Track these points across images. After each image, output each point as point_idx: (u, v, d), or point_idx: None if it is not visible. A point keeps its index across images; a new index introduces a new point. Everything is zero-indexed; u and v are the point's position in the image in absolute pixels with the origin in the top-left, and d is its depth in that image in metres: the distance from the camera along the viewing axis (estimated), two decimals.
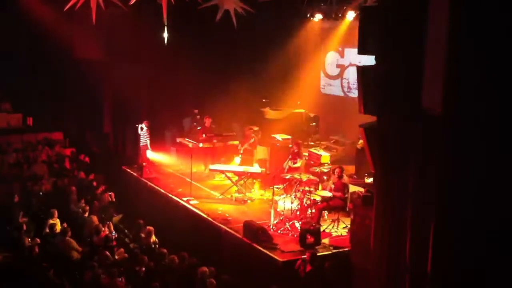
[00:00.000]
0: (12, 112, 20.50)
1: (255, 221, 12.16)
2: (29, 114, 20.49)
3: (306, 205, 12.65)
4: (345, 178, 12.74)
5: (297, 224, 12.27)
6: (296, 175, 13.12)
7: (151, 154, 17.42)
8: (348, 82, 19.16)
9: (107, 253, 10.91)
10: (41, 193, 15.23)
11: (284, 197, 12.94)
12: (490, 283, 6.03)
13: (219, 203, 14.19)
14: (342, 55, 19.53)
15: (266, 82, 19.18)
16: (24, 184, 15.73)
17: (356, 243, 10.35)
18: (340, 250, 11.25)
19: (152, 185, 15.77)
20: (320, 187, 13.49)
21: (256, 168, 15.04)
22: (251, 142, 16.07)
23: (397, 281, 7.27)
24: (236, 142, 16.54)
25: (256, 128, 16.96)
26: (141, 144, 17.30)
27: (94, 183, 15.69)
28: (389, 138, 7.15)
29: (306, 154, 15.55)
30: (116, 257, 11.23)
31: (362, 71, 7.30)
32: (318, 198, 12.63)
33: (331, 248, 11.39)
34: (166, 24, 15.87)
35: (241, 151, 16.07)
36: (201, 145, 16.17)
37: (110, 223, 12.87)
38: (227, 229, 12.44)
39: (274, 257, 10.98)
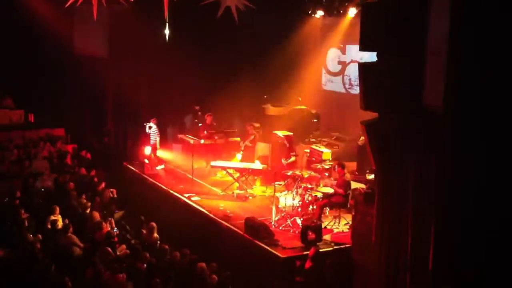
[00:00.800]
0: (14, 108, 20.51)
1: (257, 218, 12.17)
2: (30, 111, 20.50)
3: (307, 201, 12.66)
4: (347, 175, 12.74)
5: (299, 221, 12.28)
6: (298, 172, 13.13)
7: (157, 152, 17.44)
8: (350, 79, 19.14)
9: (109, 249, 10.92)
10: (42, 189, 15.26)
11: (286, 194, 12.95)
12: (490, 282, 6.04)
13: (220, 200, 14.20)
14: (343, 51, 19.50)
15: (268, 78, 19.16)
16: (26, 180, 15.75)
17: (357, 239, 10.36)
18: (341, 246, 11.26)
19: (154, 181, 15.79)
20: (321, 184, 13.50)
21: (257, 165, 15.05)
22: (252, 138, 16.07)
23: (397, 279, 7.28)
24: (237, 139, 16.54)
25: (257, 125, 16.97)
26: (151, 142, 16.95)
27: (95, 179, 15.70)
28: (390, 135, 7.15)
29: (308, 150, 15.56)
30: (118, 253, 11.24)
31: (363, 67, 7.29)
32: (319, 195, 12.64)
33: (332, 244, 11.40)
34: (167, 20, 15.85)
35: (242, 148, 16.08)
36: (202, 141, 16.17)
37: (112, 219, 12.89)
38: (229, 225, 12.45)
39: (275, 254, 10.99)
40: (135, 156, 17.80)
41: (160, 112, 18.64)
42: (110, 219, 12.81)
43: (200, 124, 17.47)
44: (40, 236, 11.69)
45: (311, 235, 11.31)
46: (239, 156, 16.12)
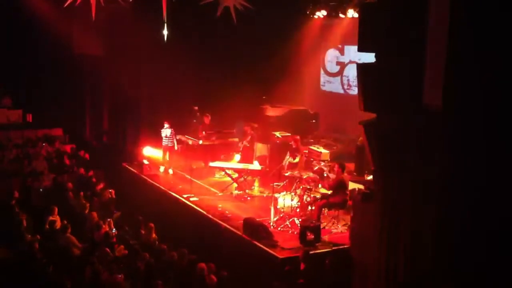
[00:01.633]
0: (12, 108, 20.51)
1: (255, 218, 12.17)
2: (29, 110, 20.49)
3: (306, 202, 12.66)
4: (345, 175, 12.74)
5: (297, 221, 12.28)
6: (296, 173, 13.13)
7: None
8: (348, 80, 19.19)
9: (107, 249, 10.92)
10: (41, 189, 15.25)
11: (284, 194, 12.95)
12: (490, 282, 6.04)
13: (219, 200, 14.19)
14: (342, 52, 19.55)
15: (266, 79, 19.18)
16: (24, 180, 15.73)
17: (356, 240, 10.35)
18: (340, 247, 11.26)
19: (152, 182, 15.78)
20: (320, 184, 13.49)
21: (256, 165, 15.04)
22: (249, 139, 16.06)
23: (396, 279, 7.28)
24: (235, 139, 16.54)
25: (255, 125, 16.97)
26: (163, 144, 16.65)
27: (94, 180, 15.69)
28: (389, 135, 7.15)
29: (306, 151, 15.56)
30: (116, 253, 11.24)
31: (362, 68, 7.29)
32: (318, 195, 12.64)
33: (331, 245, 11.40)
34: (165, 20, 15.85)
35: (241, 148, 16.08)
36: (201, 142, 16.17)
37: (111, 219, 12.88)
38: (227, 226, 12.44)
39: (274, 254, 10.98)
40: (134, 156, 17.79)
41: (158, 111, 18.65)
42: (109, 219, 12.80)
43: (199, 125, 17.45)
44: (38, 236, 11.67)
45: (310, 236, 11.31)
46: (237, 156, 16.11)
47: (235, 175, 15.05)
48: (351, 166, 15.20)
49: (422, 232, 6.59)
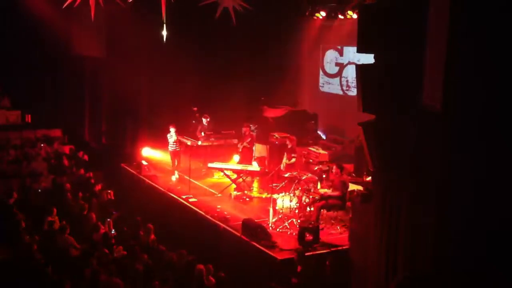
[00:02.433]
0: (11, 108, 20.47)
1: (254, 219, 12.17)
2: (28, 111, 20.46)
3: (305, 203, 12.66)
4: (344, 176, 12.75)
5: (296, 222, 12.28)
6: (295, 173, 13.13)
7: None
8: (347, 81, 19.17)
9: (106, 250, 10.91)
10: (39, 190, 15.23)
11: (283, 195, 12.95)
12: (490, 282, 6.04)
13: (217, 201, 14.19)
14: (341, 53, 19.53)
15: (265, 80, 19.17)
16: (23, 181, 15.71)
17: (354, 241, 10.37)
18: (339, 248, 11.26)
19: (151, 183, 15.77)
20: (319, 185, 13.50)
21: (255, 166, 15.04)
22: (249, 140, 16.05)
23: (394, 279, 7.28)
24: (234, 140, 16.54)
25: (254, 126, 16.96)
26: (169, 149, 16.29)
27: (93, 181, 15.68)
28: (388, 136, 7.16)
29: (305, 152, 15.56)
30: (115, 254, 11.22)
31: (361, 69, 7.30)
32: (316, 197, 12.63)
33: (329, 246, 11.39)
34: (165, 21, 15.83)
35: (240, 149, 16.07)
36: (200, 143, 16.17)
37: (110, 220, 12.86)
38: (226, 227, 12.44)
39: (272, 255, 10.98)
40: (133, 157, 17.77)
41: (157, 112, 18.65)
42: (108, 220, 12.78)
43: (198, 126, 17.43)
44: (37, 237, 11.65)
45: (309, 237, 11.31)
46: (236, 157, 16.11)
47: (234, 176, 15.04)
48: (350, 167, 15.21)
49: (421, 232, 6.59)
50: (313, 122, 19.01)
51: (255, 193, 14.79)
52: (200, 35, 18.37)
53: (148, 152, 17.39)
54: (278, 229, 12.23)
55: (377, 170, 7.60)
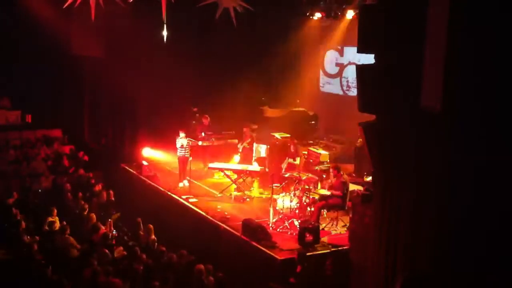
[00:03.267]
0: (11, 108, 20.49)
1: (254, 219, 12.17)
2: (28, 111, 20.47)
3: (305, 203, 12.66)
4: (344, 176, 12.74)
5: (296, 223, 12.27)
6: (295, 174, 13.13)
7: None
8: (347, 81, 19.18)
9: (106, 250, 10.90)
10: (40, 190, 15.23)
11: (283, 196, 12.94)
12: (490, 282, 6.03)
13: (218, 201, 14.20)
14: (341, 53, 19.54)
15: (266, 80, 19.18)
16: (23, 181, 15.71)
17: (355, 241, 10.36)
18: (339, 248, 11.25)
19: (151, 183, 15.77)
20: (319, 186, 13.49)
21: (255, 166, 15.04)
22: (249, 141, 16.05)
23: (394, 280, 7.27)
24: (235, 141, 16.53)
25: (255, 126, 16.97)
26: (178, 155, 15.53)
27: (93, 181, 15.67)
28: (388, 136, 7.15)
29: (306, 152, 15.56)
30: (115, 254, 11.22)
31: (361, 69, 7.29)
32: (317, 197, 12.63)
33: (330, 246, 11.39)
34: (165, 21, 15.83)
35: (240, 150, 16.07)
36: (200, 143, 16.16)
37: (111, 221, 12.86)
38: (226, 227, 12.44)
39: (272, 255, 10.98)
40: (133, 157, 17.77)
41: (157, 113, 18.64)
42: (109, 220, 12.78)
43: (198, 126, 17.43)
44: (37, 237, 11.65)
45: (309, 237, 11.30)
46: (237, 157, 16.11)
47: (234, 176, 15.04)
48: (350, 167, 15.20)
49: (422, 232, 6.58)
50: (313, 122, 19.02)
51: (255, 193, 14.79)
52: (200, 36, 18.36)
53: (148, 153, 17.38)
54: (278, 229, 12.23)
55: (378, 170, 7.59)
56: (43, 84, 20.18)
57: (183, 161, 15.42)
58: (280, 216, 12.57)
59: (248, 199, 14.37)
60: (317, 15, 18.34)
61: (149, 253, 11.01)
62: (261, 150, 16.12)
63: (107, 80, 19.78)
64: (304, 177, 12.99)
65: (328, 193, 12.63)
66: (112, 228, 12.55)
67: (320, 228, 11.84)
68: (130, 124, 19.63)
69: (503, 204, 5.89)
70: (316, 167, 14.31)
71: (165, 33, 16.56)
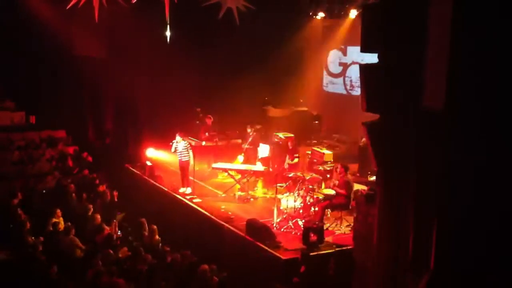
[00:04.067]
0: (15, 109, 20.52)
1: (258, 219, 12.17)
2: (32, 112, 20.50)
3: (309, 203, 12.65)
4: (349, 176, 12.73)
5: (300, 222, 12.27)
6: (299, 173, 13.13)
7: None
8: (351, 80, 19.17)
9: (110, 251, 10.92)
10: (44, 191, 15.25)
11: (287, 195, 12.94)
12: (491, 282, 6.02)
13: (222, 202, 14.21)
14: (344, 53, 19.53)
15: (269, 80, 19.17)
16: (27, 182, 15.74)
17: (359, 241, 10.34)
18: (343, 248, 11.24)
19: (155, 183, 15.78)
20: (323, 185, 13.48)
21: (259, 166, 15.04)
22: (251, 140, 16.03)
23: (397, 279, 7.27)
24: (238, 141, 16.53)
25: (258, 126, 16.96)
26: (182, 160, 14.82)
27: (97, 181, 15.69)
28: (391, 136, 7.14)
29: (309, 152, 15.55)
30: (120, 255, 11.23)
31: (364, 69, 7.28)
32: (321, 196, 12.62)
33: (334, 246, 11.38)
34: (168, 22, 15.85)
35: (244, 150, 16.07)
36: (204, 143, 16.15)
37: (116, 221, 12.87)
38: (230, 227, 12.44)
39: (277, 255, 10.98)
40: (137, 157, 17.79)
41: (160, 113, 18.66)
42: (114, 221, 12.79)
43: (202, 126, 17.43)
44: (41, 238, 11.67)
45: (313, 237, 11.30)
46: (240, 158, 16.10)
47: (238, 176, 15.04)
48: (354, 167, 15.18)
49: (424, 232, 6.58)
50: (317, 122, 19.00)
51: (259, 193, 14.79)
52: (203, 36, 18.37)
53: (152, 153, 17.39)
54: (282, 229, 12.23)
55: (381, 170, 7.59)
56: (46, 85, 20.20)
57: (183, 166, 14.88)
58: (284, 216, 12.57)
59: (252, 199, 14.38)
60: (320, 15, 18.33)
61: (154, 254, 11.01)
62: (265, 150, 16.12)
63: (110, 80, 19.80)
64: (308, 177, 12.99)
65: (332, 192, 12.61)
66: (117, 229, 12.56)
67: (324, 228, 11.83)
68: (134, 125, 19.64)
69: (503, 204, 5.88)
70: (320, 167, 14.29)
71: (168, 33, 16.58)
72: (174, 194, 14.78)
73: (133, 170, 17.03)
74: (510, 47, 5.65)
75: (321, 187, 13.33)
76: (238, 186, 14.86)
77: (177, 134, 14.66)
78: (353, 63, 18.80)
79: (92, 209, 13.46)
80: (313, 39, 19.97)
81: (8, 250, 11.09)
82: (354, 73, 18.75)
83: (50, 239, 11.99)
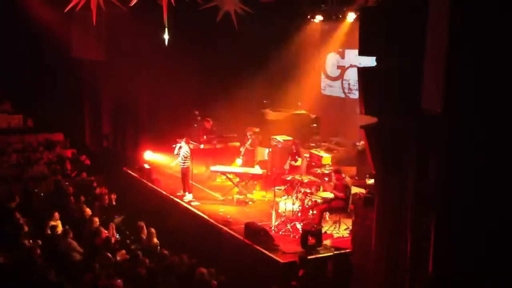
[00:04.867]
0: (13, 112, 20.50)
1: (256, 223, 12.16)
2: (29, 115, 20.48)
3: (307, 206, 12.65)
4: (347, 179, 12.72)
5: (299, 226, 12.27)
6: (297, 176, 13.12)
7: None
8: (349, 83, 19.13)
9: (109, 254, 10.90)
10: (42, 194, 15.23)
11: (286, 199, 12.94)
12: (490, 283, 6.03)
13: (220, 205, 14.20)
14: (342, 56, 19.51)
15: (267, 83, 19.14)
16: (25, 185, 15.72)
17: (357, 244, 10.34)
18: (342, 251, 11.24)
19: (153, 186, 15.76)
20: (321, 188, 13.48)
21: (257, 170, 15.03)
22: (249, 143, 16.01)
23: (395, 282, 7.27)
24: (237, 144, 16.52)
25: (257, 129, 16.95)
26: (180, 166, 14.74)
27: (95, 184, 15.68)
28: (389, 138, 7.16)
29: (307, 155, 15.54)
30: (118, 258, 11.21)
31: (362, 72, 7.31)
32: (319, 200, 12.62)
33: (332, 249, 11.38)
34: (166, 25, 15.82)
35: (242, 153, 16.05)
36: (202, 146, 16.15)
37: (113, 224, 12.85)
38: (228, 230, 12.43)
39: (275, 259, 10.97)
40: (135, 161, 17.77)
41: (158, 116, 18.65)
42: (112, 224, 12.77)
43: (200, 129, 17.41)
44: (39, 241, 11.65)
45: (311, 240, 11.30)
46: (239, 161, 16.09)
47: (237, 180, 15.03)
48: (352, 170, 15.17)
49: (422, 234, 6.59)
50: (315, 125, 18.99)
51: (257, 196, 14.78)
52: (201, 39, 18.36)
53: (150, 156, 17.37)
54: (280, 232, 12.22)
55: (379, 173, 7.60)
56: (44, 88, 20.19)
57: (183, 173, 14.68)
58: (283, 219, 12.56)
59: (250, 202, 14.36)
60: (318, 18, 18.32)
61: (152, 257, 11.00)
62: (263, 153, 16.10)
63: (108, 83, 19.81)
64: (306, 180, 12.99)
65: (331, 195, 12.61)
66: (115, 232, 12.54)
67: (323, 231, 11.82)
68: (132, 128, 19.63)
69: (503, 204, 5.89)
70: (318, 170, 14.29)
71: (166, 36, 16.53)
72: (172, 197, 14.76)
73: (131, 173, 17.01)
74: (507, 49, 5.67)
75: (319, 190, 13.32)
76: (236, 189, 14.85)
77: (184, 139, 14.62)
78: (351, 66, 18.77)
79: (90, 212, 13.45)
80: (311, 42, 19.94)
81: (6, 253, 11.06)
82: (352, 76, 18.71)
83: (48, 242, 11.96)
